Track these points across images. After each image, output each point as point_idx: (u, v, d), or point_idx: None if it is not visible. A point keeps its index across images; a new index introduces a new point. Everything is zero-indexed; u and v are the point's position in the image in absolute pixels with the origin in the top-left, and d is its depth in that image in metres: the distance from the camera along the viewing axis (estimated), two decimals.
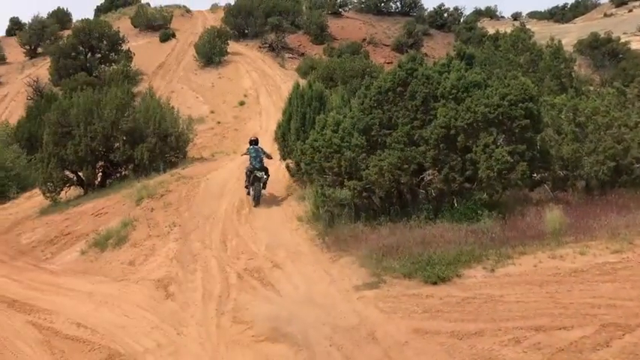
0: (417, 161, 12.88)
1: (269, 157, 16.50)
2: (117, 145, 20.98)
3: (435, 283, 9.98)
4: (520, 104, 12.46)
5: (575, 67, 21.27)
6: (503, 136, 12.67)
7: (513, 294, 9.32)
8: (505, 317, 8.74)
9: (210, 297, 11.22)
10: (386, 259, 11.00)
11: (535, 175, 13.56)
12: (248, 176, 15.93)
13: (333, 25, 52.09)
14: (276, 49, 45.09)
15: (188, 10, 58.50)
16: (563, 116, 14.25)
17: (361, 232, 12.58)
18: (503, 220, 12.07)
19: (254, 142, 16.47)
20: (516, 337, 8.24)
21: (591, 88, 20.78)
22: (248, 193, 16.05)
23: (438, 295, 9.64)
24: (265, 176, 15.79)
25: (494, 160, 12.09)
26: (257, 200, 15.76)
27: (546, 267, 9.95)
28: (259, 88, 37.32)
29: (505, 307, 9.02)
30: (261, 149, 16.31)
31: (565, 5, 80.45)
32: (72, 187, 21.05)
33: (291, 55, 45.23)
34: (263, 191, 15.90)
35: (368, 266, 10.96)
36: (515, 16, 75.57)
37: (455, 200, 12.86)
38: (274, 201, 16.22)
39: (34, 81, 39.06)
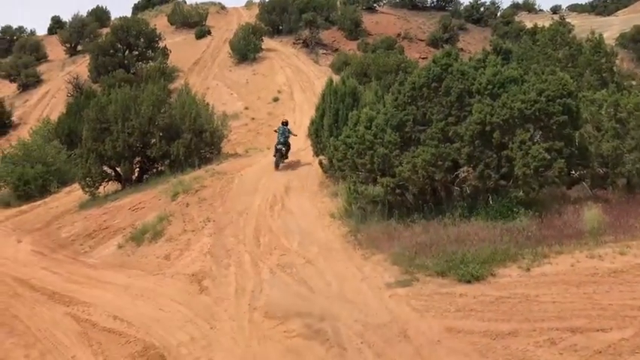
0: (451, 158, 12.72)
1: (294, 134, 20.35)
2: (153, 140, 21.33)
3: (468, 282, 9.87)
4: (558, 100, 12.18)
5: (617, 62, 20.56)
6: (540, 132, 12.39)
7: (549, 294, 9.14)
8: (540, 317, 8.58)
9: (243, 292, 11.33)
10: (419, 257, 10.92)
11: (573, 172, 13.24)
12: (276, 147, 19.64)
13: (368, 21, 51.79)
14: (310, 45, 45.11)
15: (223, 7, 59.03)
16: (603, 112, 13.83)
17: (394, 229, 12.52)
18: (540, 218, 11.83)
19: (285, 123, 20.25)
20: (552, 338, 8.09)
21: (634, 83, 20.11)
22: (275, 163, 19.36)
23: (471, 294, 9.52)
24: (284, 148, 19.43)
25: (531, 157, 11.85)
26: (276, 165, 19.20)
27: (584, 267, 9.72)
28: (293, 84, 37.41)
29: (540, 307, 8.85)
30: (288, 129, 19.82)
31: None
32: (110, 182, 21.49)
33: (325, 51, 45.18)
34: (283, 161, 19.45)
35: (400, 264, 10.90)
36: (555, 10, 73.62)
37: (490, 198, 12.66)
38: (307, 196, 16.26)
39: (74, 78, 39.99)
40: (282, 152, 19.23)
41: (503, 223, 11.75)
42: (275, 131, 20.29)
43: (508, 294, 9.31)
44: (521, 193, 12.54)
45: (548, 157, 11.84)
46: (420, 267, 10.59)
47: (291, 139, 19.83)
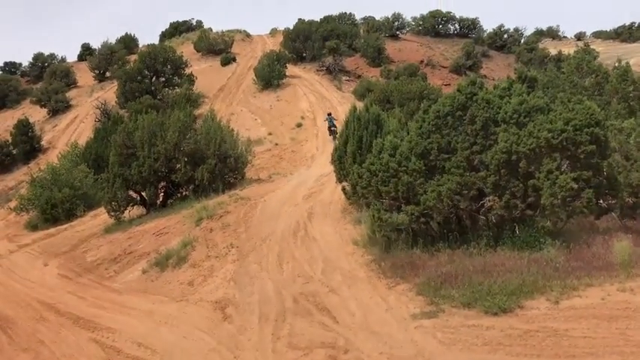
0: (476, 187, 12.61)
1: (337, 120, 30.06)
2: (178, 166, 21.61)
3: (495, 314, 9.68)
4: (585, 129, 12.02)
5: None
6: (568, 162, 12.23)
7: (579, 328, 8.92)
8: (570, 353, 8.36)
9: (267, 320, 11.27)
10: (444, 288, 10.77)
11: (602, 202, 13.00)
12: (329, 129, 30.42)
13: (391, 48, 52.17)
14: (333, 72, 45.52)
15: (248, 35, 60.03)
16: (631, 141, 13.67)
17: (419, 258, 12.39)
18: (568, 249, 11.62)
19: (329, 114, 31.49)
20: None
21: None
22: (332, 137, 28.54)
23: (499, 326, 9.33)
24: (334, 128, 28.70)
25: (558, 186, 11.68)
26: (333, 139, 27.53)
27: (615, 300, 9.48)
28: (316, 110, 37.66)
29: (570, 342, 8.63)
30: (334, 118, 30.61)
31: (632, 24, 77.44)
32: (135, 207, 21.77)
33: (348, 78, 45.53)
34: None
35: (426, 294, 10.76)
36: (579, 36, 73.44)
37: (516, 227, 12.48)
38: (330, 223, 16.21)
39: (102, 104, 40.86)
40: (334, 131, 28.47)
41: (530, 254, 11.56)
42: (325, 120, 31.48)
43: (537, 327, 9.11)
44: (548, 223, 12.36)
45: (576, 186, 11.66)
46: (446, 298, 10.44)
47: (317, 164, 25.33)
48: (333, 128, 29.63)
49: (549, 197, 11.75)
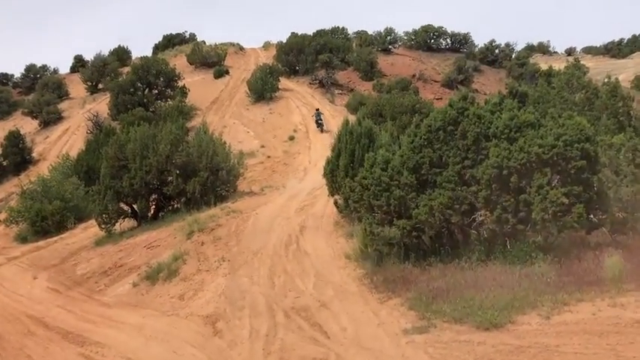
0: (468, 201, 12.66)
1: (323, 114, 37.30)
2: (170, 178, 21.55)
3: (487, 329, 9.67)
4: (576, 144, 12.11)
5: (634, 105, 20.55)
6: (558, 177, 12.30)
7: (570, 344, 8.91)
8: None
9: (257, 335, 11.19)
10: (436, 302, 10.76)
11: (592, 217, 13.06)
12: (316, 122, 36.46)
13: (383, 62, 52.50)
14: (326, 86, 45.71)
15: (241, 48, 60.22)
16: (621, 156, 13.74)
17: (410, 272, 12.38)
18: (559, 264, 11.63)
19: (317, 109, 37.78)
20: None
21: None
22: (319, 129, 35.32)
23: (490, 342, 9.32)
24: (321, 122, 36.07)
25: (549, 201, 11.74)
26: (321, 131, 35.17)
27: (606, 316, 9.49)
28: (309, 123, 37.77)
29: (561, 357, 8.63)
30: (321, 113, 36.92)
31: (621, 40, 78.53)
32: (126, 219, 21.65)
33: (340, 91, 45.73)
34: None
35: (417, 309, 10.74)
36: (569, 52, 74.20)
37: (508, 242, 12.51)
38: (322, 236, 16.19)
39: (94, 115, 40.73)
40: (321, 125, 35.98)
41: (522, 269, 11.57)
42: (312, 116, 37.30)
43: (528, 343, 9.10)
44: (539, 237, 12.39)
45: (567, 201, 11.72)
46: (437, 313, 10.42)
47: (309, 177, 25.80)
48: (319, 121, 36.23)
49: (540, 212, 11.80)
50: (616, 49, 74.90)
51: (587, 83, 20.64)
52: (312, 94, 44.49)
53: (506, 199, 12.31)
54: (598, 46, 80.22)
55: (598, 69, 49.42)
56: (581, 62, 29.91)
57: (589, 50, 78.11)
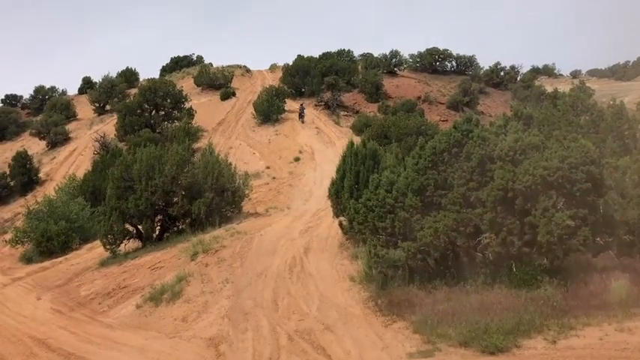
0: (473, 223, 12.60)
1: (306, 109, 43.34)
2: (175, 199, 21.59)
3: (492, 354, 9.57)
4: (581, 167, 12.09)
5: None
6: (564, 199, 12.25)
7: None
8: None
9: (260, 358, 11.09)
10: (441, 326, 10.66)
11: (599, 240, 12.96)
12: (299, 114, 42.24)
13: (388, 84, 52.83)
14: (331, 107, 45.98)
15: (248, 70, 60.78)
16: (627, 179, 13.68)
17: (415, 295, 12.28)
18: (565, 287, 11.54)
19: (302, 104, 43.65)
20: None
21: None
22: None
23: None
24: (303, 114, 42.29)
25: (555, 224, 11.67)
26: (302, 122, 41.51)
27: (613, 341, 9.38)
28: (314, 144, 37.91)
29: None
30: (304, 108, 42.70)
31: (627, 62, 78.74)
32: (131, 240, 21.65)
33: (346, 113, 45.98)
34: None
35: (422, 332, 10.64)
36: (574, 74, 74.40)
37: (513, 265, 12.42)
38: (326, 258, 16.11)
39: (101, 136, 41.05)
40: (302, 116, 42.28)
41: (527, 292, 11.48)
42: (297, 109, 43.25)
43: None
44: (545, 260, 12.29)
45: (573, 224, 11.65)
46: (442, 336, 10.32)
47: (314, 198, 26.67)
48: (302, 113, 42.27)
49: (546, 235, 11.73)
50: (621, 72, 75.02)
51: (592, 106, 20.65)
52: (318, 116, 44.74)
53: (512, 222, 12.26)
54: (603, 68, 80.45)
55: (603, 91, 49.46)
56: (587, 85, 29.99)
57: (594, 73, 78.25)
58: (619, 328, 9.68)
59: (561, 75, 74.08)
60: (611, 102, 20.79)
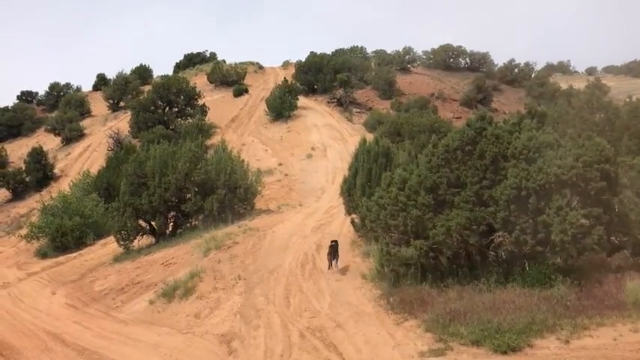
0: (486, 222, 12.52)
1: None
2: (188, 196, 21.73)
3: (504, 353, 9.51)
4: (595, 165, 11.97)
5: None
6: (578, 198, 12.13)
7: None
8: None
9: (272, 355, 11.13)
10: (453, 324, 10.62)
11: (613, 239, 12.84)
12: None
13: (401, 81, 52.59)
14: (344, 104, 45.87)
15: (261, 67, 60.80)
16: None
17: (427, 293, 12.24)
18: (579, 287, 11.44)
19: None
20: None
21: None
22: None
23: None
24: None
25: (568, 223, 11.56)
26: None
27: (628, 341, 9.28)
28: (326, 141, 37.87)
29: None
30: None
31: None
32: (144, 236, 21.82)
33: (358, 110, 45.84)
34: None
35: (434, 331, 10.60)
36: (590, 71, 73.62)
37: (527, 264, 12.33)
38: (339, 256, 16.08)
39: (115, 133, 41.34)
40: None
41: (541, 291, 11.39)
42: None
43: None
44: (558, 259, 12.19)
45: (587, 223, 11.53)
46: (454, 335, 10.28)
47: (326, 195, 25.86)
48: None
49: (559, 234, 11.62)
50: (638, 69, 74.02)
51: (607, 103, 20.45)
52: (331, 113, 44.64)
53: (525, 221, 12.16)
54: (619, 65, 79.42)
55: (619, 89, 48.92)
56: (602, 82, 29.68)
57: (610, 70, 77.29)
58: (633, 328, 9.59)
59: (576, 72, 73.43)
60: (627, 99, 20.59)
